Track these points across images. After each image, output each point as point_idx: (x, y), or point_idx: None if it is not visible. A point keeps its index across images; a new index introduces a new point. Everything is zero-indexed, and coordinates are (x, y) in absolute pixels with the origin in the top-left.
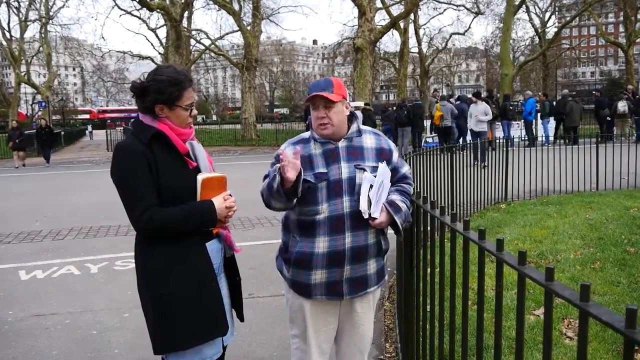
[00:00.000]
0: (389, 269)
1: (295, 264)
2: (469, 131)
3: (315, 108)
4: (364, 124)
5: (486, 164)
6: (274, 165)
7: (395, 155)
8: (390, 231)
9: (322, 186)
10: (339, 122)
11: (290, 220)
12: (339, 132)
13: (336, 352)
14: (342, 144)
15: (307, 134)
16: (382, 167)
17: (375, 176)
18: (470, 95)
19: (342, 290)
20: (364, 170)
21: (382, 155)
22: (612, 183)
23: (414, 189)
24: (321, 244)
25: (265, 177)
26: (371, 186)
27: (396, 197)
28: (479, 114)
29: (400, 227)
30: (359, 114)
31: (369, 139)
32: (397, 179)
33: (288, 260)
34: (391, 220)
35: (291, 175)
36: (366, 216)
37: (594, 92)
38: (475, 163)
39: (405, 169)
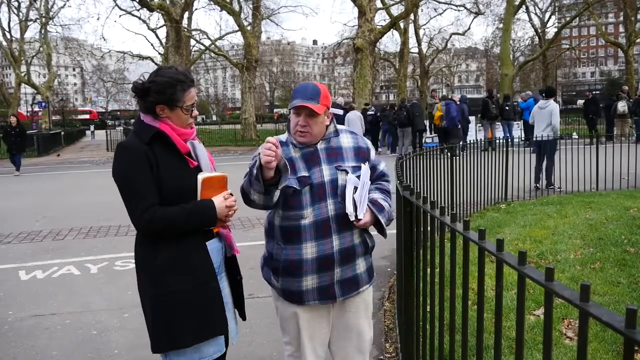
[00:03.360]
0: (388, 269)
1: (285, 272)
2: (532, 143)
3: (297, 114)
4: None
5: (559, 187)
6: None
7: (373, 153)
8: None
9: (305, 190)
10: (318, 132)
11: (274, 227)
12: (316, 139)
13: (335, 356)
14: (320, 145)
15: (284, 137)
16: (365, 168)
17: (358, 177)
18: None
19: (334, 293)
20: (346, 171)
21: (361, 154)
22: (612, 183)
23: (413, 189)
24: (309, 250)
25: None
26: (355, 188)
27: (378, 196)
28: (554, 117)
29: (385, 225)
30: (354, 115)
31: (346, 139)
32: (375, 176)
33: (276, 270)
34: (375, 219)
35: (271, 162)
36: (352, 218)
37: (587, 93)
38: (553, 187)
39: (382, 165)
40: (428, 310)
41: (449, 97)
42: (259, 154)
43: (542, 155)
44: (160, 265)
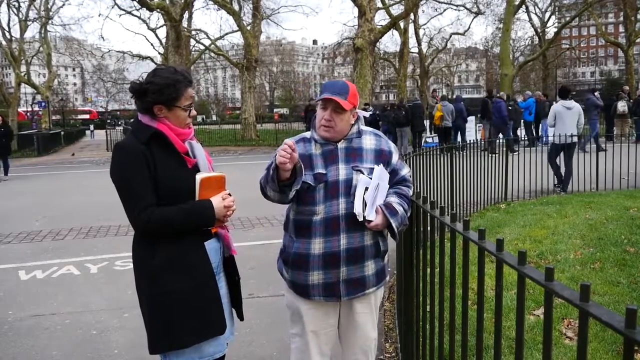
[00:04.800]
0: (389, 269)
1: (293, 264)
2: (552, 149)
3: (324, 108)
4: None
5: (565, 190)
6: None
7: (395, 157)
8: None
9: (319, 187)
10: (341, 129)
11: (289, 220)
12: (339, 135)
13: (342, 354)
14: (341, 145)
15: (308, 134)
16: (378, 169)
17: (371, 178)
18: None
19: (339, 292)
20: (362, 172)
21: (382, 156)
22: (612, 183)
23: (413, 190)
24: (317, 245)
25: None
26: (366, 188)
27: (393, 200)
28: (582, 117)
29: (396, 230)
30: (361, 113)
31: (369, 140)
32: (396, 181)
33: (287, 261)
34: (387, 222)
35: (285, 163)
36: (360, 219)
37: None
38: (559, 190)
39: (405, 171)
40: (428, 310)
41: (497, 95)
42: (276, 155)
43: (568, 157)
44: (159, 265)
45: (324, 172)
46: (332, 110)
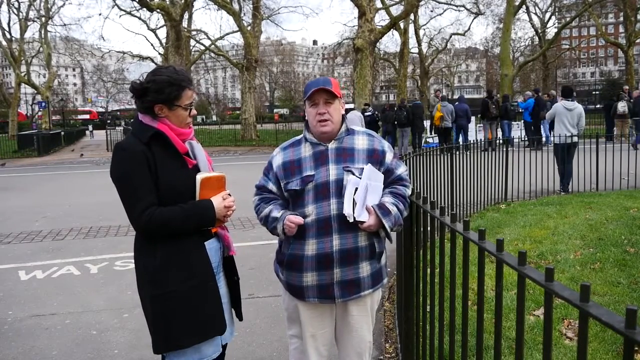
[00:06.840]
0: (389, 269)
1: (288, 266)
2: (554, 149)
3: (314, 105)
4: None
5: (569, 190)
6: (267, 173)
7: (389, 157)
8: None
9: (309, 189)
10: (337, 119)
11: None
12: (337, 128)
13: (337, 355)
14: (332, 145)
15: (299, 137)
16: (367, 169)
17: (360, 178)
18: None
19: (333, 293)
20: (352, 172)
21: (374, 156)
22: (612, 183)
23: (413, 189)
24: (310, 247)
25: (257, 188)
26: (357, 189)
27: (387, 200)
28: (583, 119)
29: (389, 230)
30: (354, 115)
31: (361, 140)
32: (391, 180)
33: (282, 263)
34: (380, 223)
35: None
36: (351, 220)
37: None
38: (561, 191)
39: (401, 170)
40: (428, 310)
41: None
42: (282, 219)
43: (568, 157)
44: (160, 265)
45: (312, 173)
46: (324, 102)
